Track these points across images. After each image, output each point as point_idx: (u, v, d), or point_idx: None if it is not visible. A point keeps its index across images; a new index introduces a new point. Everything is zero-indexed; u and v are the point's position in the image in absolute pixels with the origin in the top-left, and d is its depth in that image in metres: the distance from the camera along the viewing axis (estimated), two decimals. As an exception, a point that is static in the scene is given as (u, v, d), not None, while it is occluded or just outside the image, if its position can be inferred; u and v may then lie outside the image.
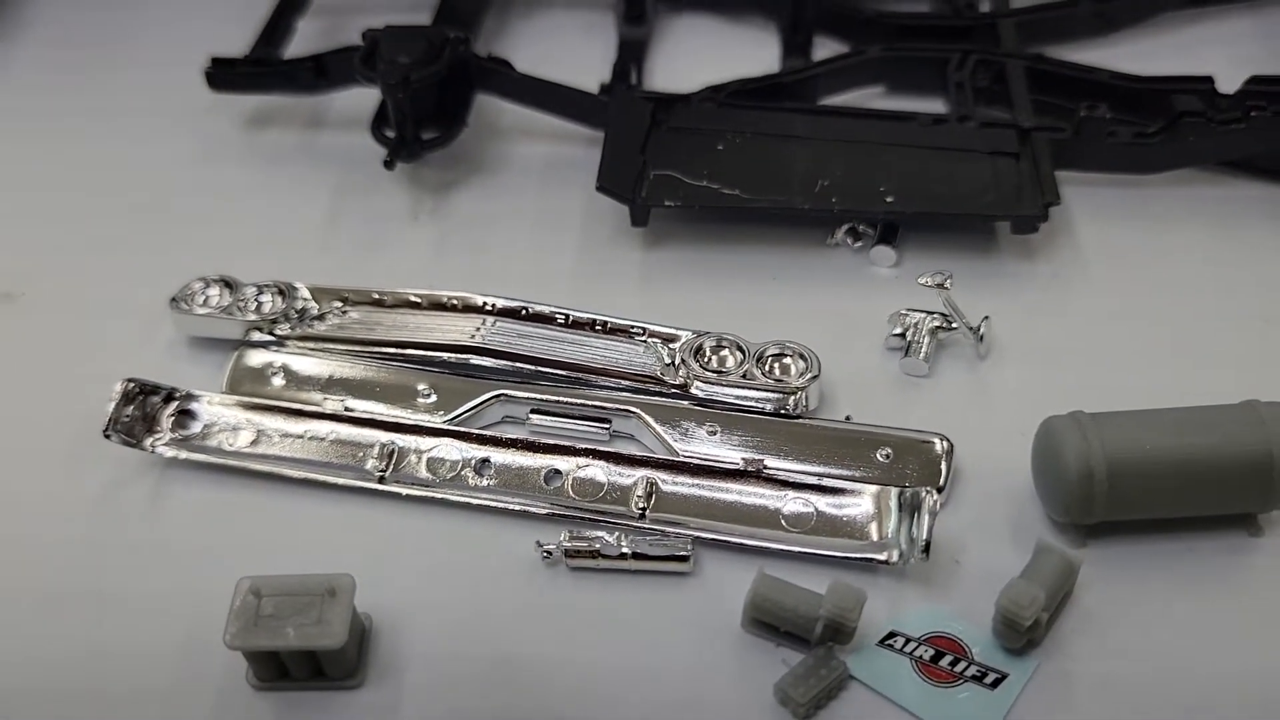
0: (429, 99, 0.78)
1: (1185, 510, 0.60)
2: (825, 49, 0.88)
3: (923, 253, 0.75)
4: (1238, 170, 0.79)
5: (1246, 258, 0.74)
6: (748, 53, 0.89)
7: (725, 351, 0.68)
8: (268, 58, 0.84)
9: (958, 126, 0.77)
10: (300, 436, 0.66)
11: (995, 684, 0.56)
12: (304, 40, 0.89)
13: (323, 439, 0.66)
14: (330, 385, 0.69)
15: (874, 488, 0.61)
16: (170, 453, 0.65)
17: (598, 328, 0.70)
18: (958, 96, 0.80)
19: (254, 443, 0.65)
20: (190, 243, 0.78)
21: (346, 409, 0.67)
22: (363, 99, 0.82)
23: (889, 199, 0.73)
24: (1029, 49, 0.84)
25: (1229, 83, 0.78)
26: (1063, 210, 0.76)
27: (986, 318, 0.69)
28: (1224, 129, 0.74)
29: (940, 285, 0.67)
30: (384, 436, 0.65)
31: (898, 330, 0.69)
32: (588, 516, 0.62)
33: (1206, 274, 0.74)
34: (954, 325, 0.69)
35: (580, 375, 0.68)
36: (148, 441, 0.65)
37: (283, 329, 0.70)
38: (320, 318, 0.72)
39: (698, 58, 0.89)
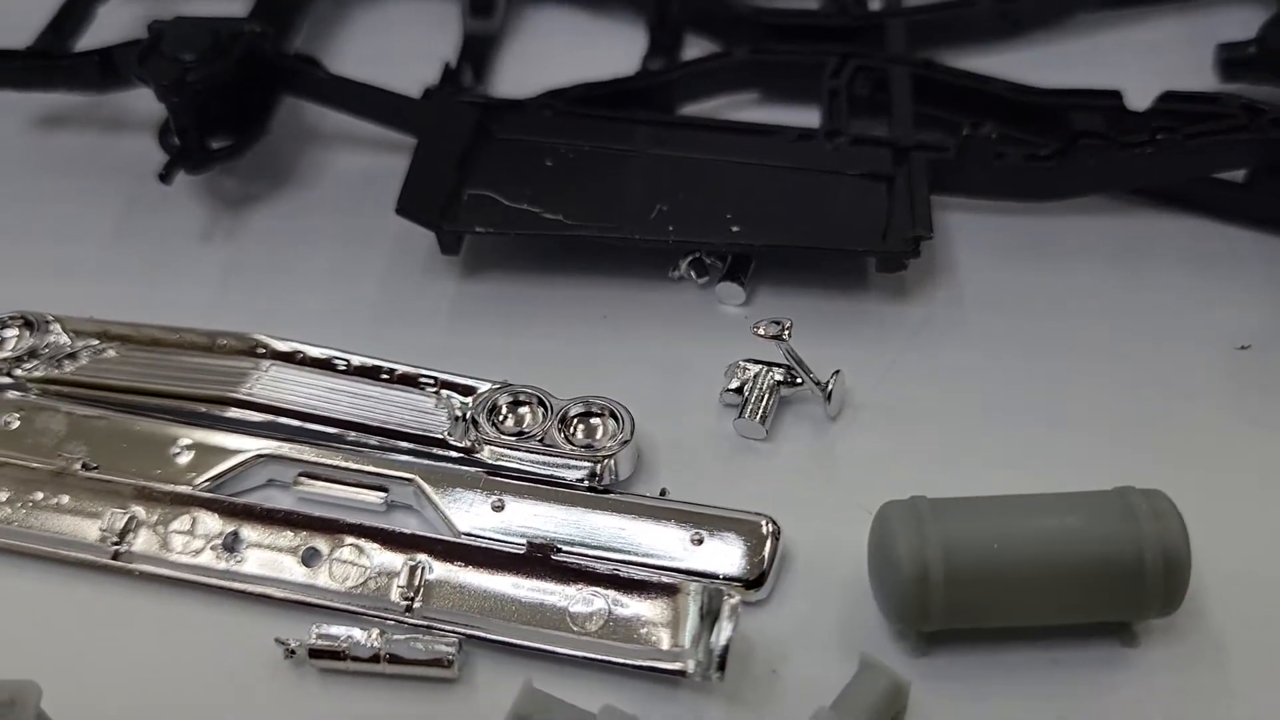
0: (220, 102, 0.67)
1: (1044, 619, 0.50)
2: (700, 50, 0.78)
3: (780, 290, 0.65)
4: (1149, 199, 0.68)
5: (1153, 305, 0.64)
6: (617, 53, 0.78)
7: (525, 408, 0.58)
8: (52, 50, 0.74)
9: (825, 144, 0.66)
10: (22, 502, 0.56)
11: (798, 834, 0.46)
12: (116, 30, 0.78)
13: (49, 504, 0.56)
14: (69, 439, 0.58)
15: (674, 581, 0.51)
16: None
17: (384, 375, 0.60)
18: (832, 108, 0.69)
19: (-38, 509, 0.56)
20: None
21: (84, 467, 0.57)
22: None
23: (734, 228, 0.63)
24: (922, 54, 0.73)
25: (1147, 97, 0.67)
26: (943, 244, 0.66)
27: (838, 372, 0.59)
28: (1127, 153, 0.63)
29: (776, 337, 0.57)
30: (121, 503, 0.55)
31: (734, 384, 0.59)
32: (346, 608, 0.53)
33: (1104, 323, 0.63)
34: (799, 380, 0.59)
35: (356, 433, 0.58)
36: None
37: (27, 369, 0.61)
38: (72, 356, 0.62)
39: (556, 59, 0.79)
